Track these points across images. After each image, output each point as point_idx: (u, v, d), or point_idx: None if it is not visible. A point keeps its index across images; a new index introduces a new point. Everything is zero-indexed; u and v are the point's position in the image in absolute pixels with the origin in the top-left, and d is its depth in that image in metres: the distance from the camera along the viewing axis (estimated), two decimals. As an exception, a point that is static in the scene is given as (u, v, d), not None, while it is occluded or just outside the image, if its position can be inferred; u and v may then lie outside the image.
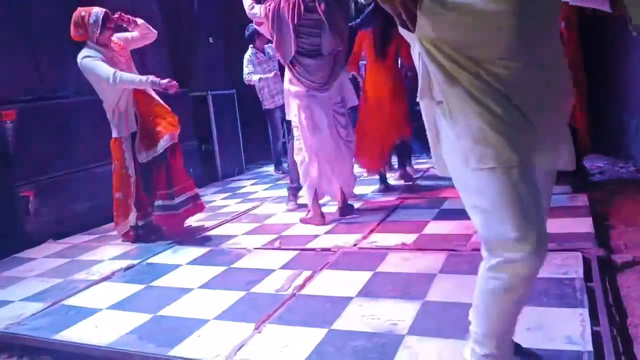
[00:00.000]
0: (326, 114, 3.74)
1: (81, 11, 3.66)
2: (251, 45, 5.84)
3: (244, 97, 6.59)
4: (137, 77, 3.63)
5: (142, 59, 5.13)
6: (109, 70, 3.54)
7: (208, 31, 6.15)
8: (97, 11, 3.65)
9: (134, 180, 3.77)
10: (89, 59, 3.60)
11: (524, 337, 1.94)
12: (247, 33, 5.76)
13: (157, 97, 3.87)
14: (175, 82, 3.64)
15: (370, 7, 4.44)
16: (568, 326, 1.97)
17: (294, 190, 4.46)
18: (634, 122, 4.74)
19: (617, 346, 1.83)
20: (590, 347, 1.81)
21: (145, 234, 3.90)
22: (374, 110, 4.41)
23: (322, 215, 3.85)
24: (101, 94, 3.74)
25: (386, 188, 4.67)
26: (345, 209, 4.02)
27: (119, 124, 3.74)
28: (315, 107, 3.71)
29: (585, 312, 2.04)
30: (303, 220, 3.94)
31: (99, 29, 3.63)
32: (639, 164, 4.54)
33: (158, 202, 3.79)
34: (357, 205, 4.25)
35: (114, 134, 3.78)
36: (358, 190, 4.56)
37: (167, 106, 3.88)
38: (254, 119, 6.92)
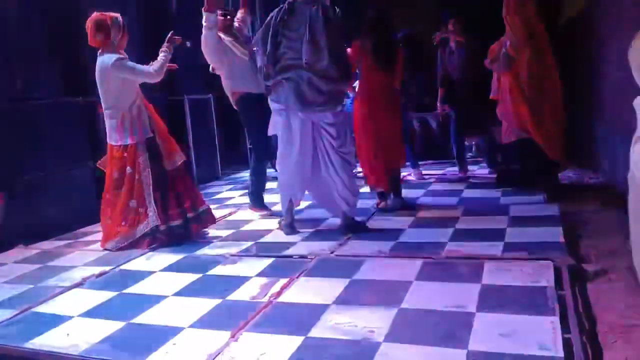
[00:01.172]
0: (305, 130, 3.61)
1: (100, 16, 3.66)
2: None
3: (221, 102, 6.56)
4: (161, 60, 3.78)
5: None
6: (145, 67, 3.72)
7: (186, 35, 6.10)
8: (117, 16, 3.71)
9: (151, 185, 3.71)
10: (123, 61, 3.66)
11: (497, 343, 1.99)
12: None
13: None
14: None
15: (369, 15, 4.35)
16: (540, 333, 2.01)
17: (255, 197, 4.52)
18: (603, 132, 4.88)
19: (587, 353, 1.88)
20: (561, 354, 1.86)
21: (167, 240, 3.78)
22: (369, 127, 4.19)
23: (292, 226, 3.81)
24: (116, 97, 3.72)
25: (385, 205, 4.36)
26: (349, 227, 3.72)
27: (132, 129, 3.71)
28: (293, 123, 3.62)
29: (556, 319, 2.09)
30: (279, 225, 3.95)
31: (121, 32, 3.71)
32: (607, 173, 4.67)
33: (190, 215, 3.87)
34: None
35: (129, 141, 3.71)
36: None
37: None
38: (231, 125, 6.89)
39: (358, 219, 3.82)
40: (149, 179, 3.72)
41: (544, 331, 2.02)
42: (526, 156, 4.37)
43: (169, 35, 3.88)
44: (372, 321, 2.27)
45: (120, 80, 3.67)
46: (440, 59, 5.57)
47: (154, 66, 3.73)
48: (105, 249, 3.78)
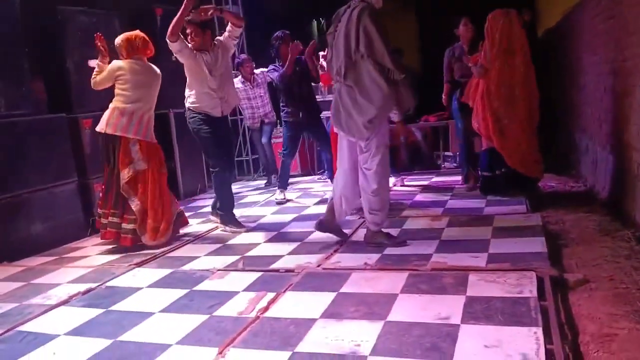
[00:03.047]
0: (347, 143, 3.51)
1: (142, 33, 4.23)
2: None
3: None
4: None
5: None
6: None
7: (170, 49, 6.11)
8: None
9: None
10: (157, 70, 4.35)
11: (482, 354, 2.02)
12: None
13: None
14: None
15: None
16: (523, 344, 2.04)
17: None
18: (584, 142, 4.97)
19: (570, 363, 1.92)
20: (544, 364, 1.89)
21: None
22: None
23: (320, 222, 3.73)
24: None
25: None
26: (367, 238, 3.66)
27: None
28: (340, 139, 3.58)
29: (539, 330, 2.12)
30: None
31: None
32: (588, 182, 4.75)
33: None
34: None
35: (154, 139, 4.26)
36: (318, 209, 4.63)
37: None
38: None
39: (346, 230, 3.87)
40: None
41: (527, 342, 2.05)
42: (495, 164, 4.50)
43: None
44: (359, 335, 2.29)
45: None
46: (447, 62, 5.30)
47: None
48: (158, 243, 4.10)
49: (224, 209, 4.54)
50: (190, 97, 4.38)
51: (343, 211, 3.71)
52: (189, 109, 4.41)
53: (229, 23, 4.46)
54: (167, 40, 4.13)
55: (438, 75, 5.61)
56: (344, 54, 3.29)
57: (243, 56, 6.75)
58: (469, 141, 5.24)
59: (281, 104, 5.50)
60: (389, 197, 3.66)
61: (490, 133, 4.41)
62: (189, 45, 4.26)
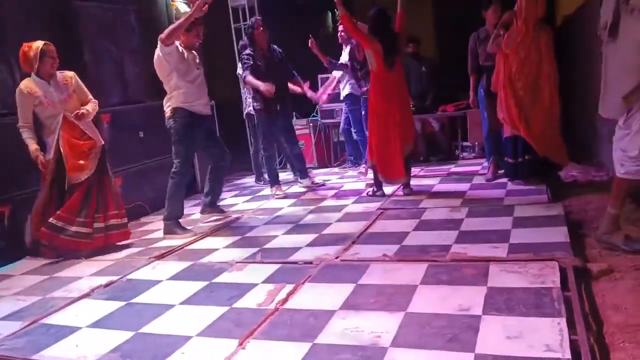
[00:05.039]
0: None
1: (25, 46, 3.88)
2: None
3: (224, 108, 6.59)
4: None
5: (119, 69, 5.10)
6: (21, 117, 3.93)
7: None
8: (38, 45, 3.87)
9: None
10: (18, 92, 3.90)
11: (504, 345, 1.99)
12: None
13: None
14: None
15: (373, 15, 4.61)
16: (547, 335, 2.01)
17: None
18: (605, 129, 4.87)
19: (595, 354, 1.88)
20: (568, 355, 1.86)
21: None
22: (387, 120, 4.61)
23: None
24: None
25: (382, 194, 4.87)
26: None
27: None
28: None
29: (562, 321, 2.09)
30: None
31: (37, 61, 3.86)
32: (611, 171, 4.66)
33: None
34: (339, 215, 4.29)
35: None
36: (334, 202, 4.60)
37: None
38: (233, 132, 6.92)
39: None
40: None
41: (550, 333, 2.02)
42: (519, 152, 4.48)
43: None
44: (379, 326, 2.27)
45: None
46: (471, 47, 5.09)
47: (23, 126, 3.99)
48: None
49: (171, 218, 4.33)
50: (175, 97, 4.20)
51: None
52: (175, 109, 4.21)
53: None
54: (161, 43, 3.98)
55: (455, 65, 5.54)
56: (614, 4, 2.55)
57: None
58: (495, 132, 5.08)
59: (249, 97, 5.58)
60: None
61: (516, 122, 4.35)
62: (180, 46, 4.17)
